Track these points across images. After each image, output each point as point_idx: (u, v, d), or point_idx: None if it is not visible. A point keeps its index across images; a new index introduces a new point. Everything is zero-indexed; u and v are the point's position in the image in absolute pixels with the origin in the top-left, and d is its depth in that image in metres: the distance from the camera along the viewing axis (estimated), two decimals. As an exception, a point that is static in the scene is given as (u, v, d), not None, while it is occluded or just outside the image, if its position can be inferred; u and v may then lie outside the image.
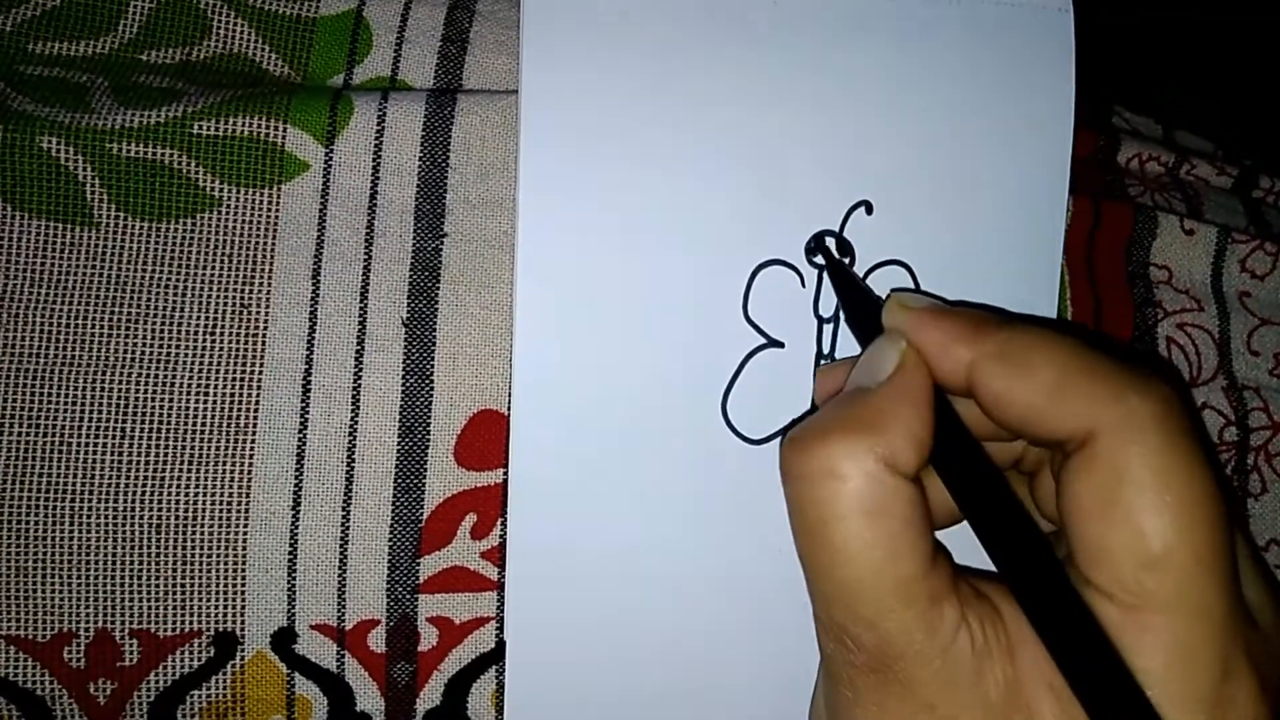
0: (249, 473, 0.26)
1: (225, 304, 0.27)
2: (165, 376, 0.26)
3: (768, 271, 0.28)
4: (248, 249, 0.27)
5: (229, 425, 0.26)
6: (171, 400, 0.26)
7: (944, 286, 0.28)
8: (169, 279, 0.27)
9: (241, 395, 0.26)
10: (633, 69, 0.27)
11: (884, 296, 0.23)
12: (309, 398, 0.27)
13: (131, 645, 0.25)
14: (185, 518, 0.26)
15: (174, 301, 0.27)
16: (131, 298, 0.26)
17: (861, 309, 0.25)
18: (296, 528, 0.26)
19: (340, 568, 0.26)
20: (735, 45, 0.28)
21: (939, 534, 0.22)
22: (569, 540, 0.27)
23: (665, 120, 0.27)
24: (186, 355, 0.26)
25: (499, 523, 0.27)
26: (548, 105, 0.27)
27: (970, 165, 0.29)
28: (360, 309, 0.27)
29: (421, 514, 0.27)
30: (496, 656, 0.27)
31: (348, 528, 0.26)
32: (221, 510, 0.26)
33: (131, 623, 0.25)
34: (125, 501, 0.26)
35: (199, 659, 0.26)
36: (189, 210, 0.27)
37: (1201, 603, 0.18)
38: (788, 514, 0.21)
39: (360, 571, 0.26)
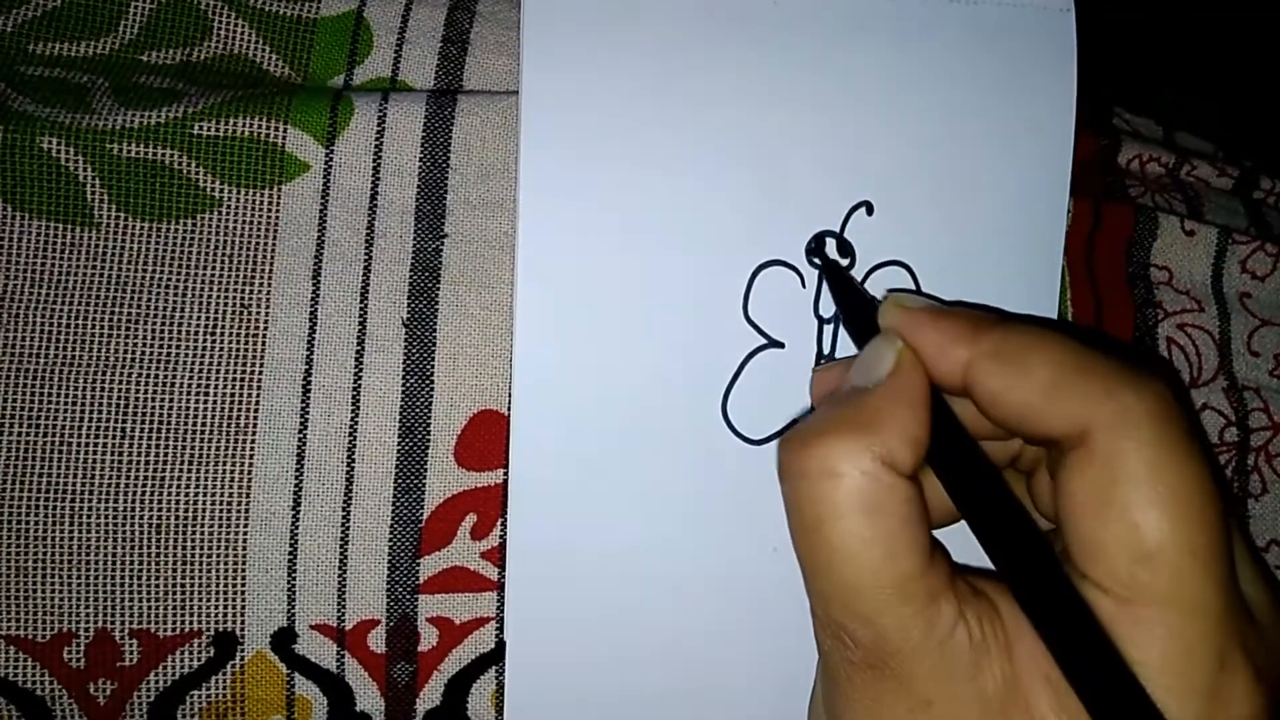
0: (249, 473, 0.26)
1: (225, 304, 0.27)
2: (165, 377, 0.26)
3: (768, 272, 0.28)
4: (248, 249, 0.27)
5: (229, 425, 0.26)
6: (172, 400, 0.26)
7: (944, 287, 0.28)
8: (169, 279, 0.27)
9: (242, 395, 0.26)
10: (633, 70, 0.27)
11: (880, 297, 0.23)
12: (309, 398, 0.27)
13: (131, 645, 0.25)
14: (185, 518, 0.26)
15: (174, 302, 0.27)
16: (132, 298, 0.26)
17: (857, 310, 0.25)
18: (296, 528, 0.26)
19: (340, 568, 0.26)
20: (735, 46, 0.28)
21: (937, 533, 0.22)
22: (569, 540, 0.27)
23: (665, 121, 0.27)
24: (187, 355, 0.26)
25: (499, 523, 0.27)
26: (548, 106, 0.27)
27: (971, 166, 0.29)
28: (360, 309, 0.27)
29: (421, 514, 0.27)
30: (496, 657, 0.27)
31: (348, 528, 0.26)
32: (221, 510, 0.26)
33: (131, 623, 0.25)
34: (125, 501, 0.26)
35: (199, 659, 0.26)
36: (189, 211, 0.27)
37: (1197, 597, 0.18)
38: (786, 513, 0.21)
39: (360, 571, 0.26)
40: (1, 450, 0.25)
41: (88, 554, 0.25)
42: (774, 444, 0.27)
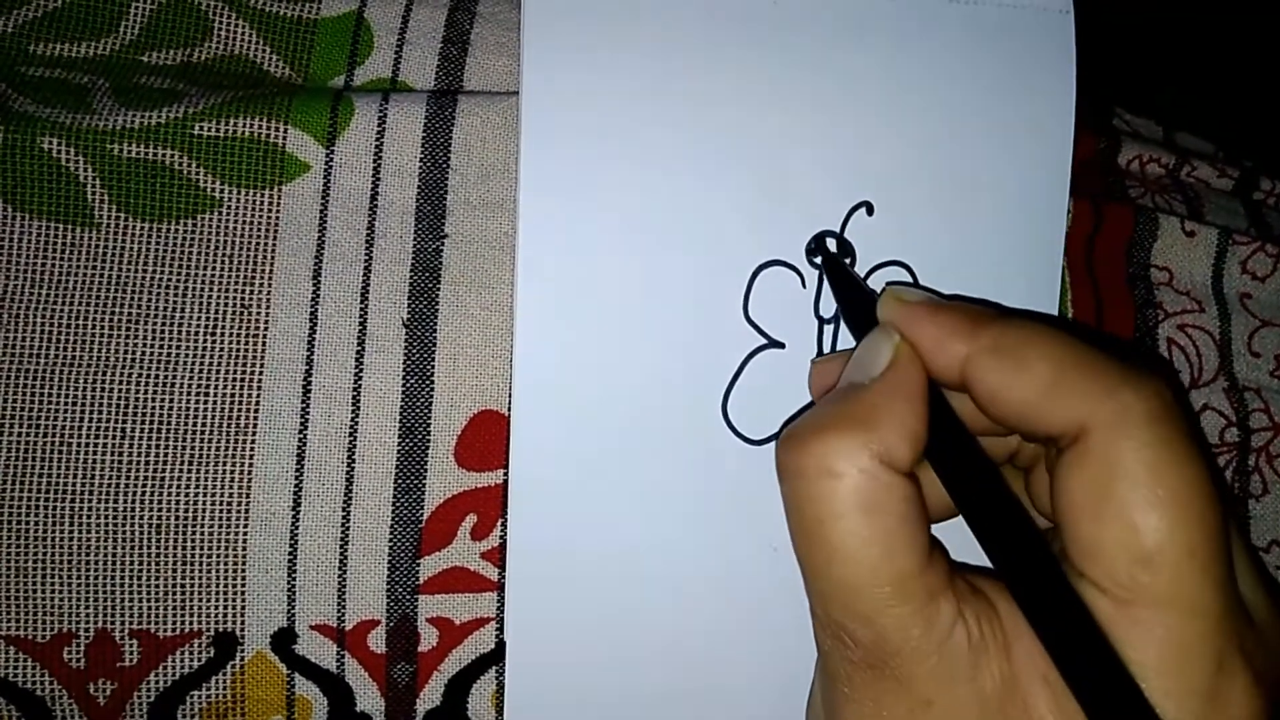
0: (249, 473, 0.26)
1: (226, 305, 0.27)
2: (166, 377, 0.26)
3: (768, 272, 0.28)
4: (248, 250, 0.27)
5: (229, 426, 0.26)
6: (172, 401, 0.26)
7: (944, 287, 0.28)
8: (170, 280, 0.27)
9: (242, 396, 0.26)
10: (633, 70, 0.27)
11: (880, 291, 0.23)
12: (309, 398, 0.27)
13: (131, 645, 0.25)
14: (185, 518, 0.26)
15: (175, 302, 0.27)
16: (132, 298, 0.26)
17: (856, 303, 0.25)
18: (297, 528, 0.26)
19: (340, 568, 0.26)
20: (735, 46, 0.28)
21: (936, 530, 0.22)
22: (569, 541, 0.27)
23: (665, 121, 0.27)
24: (187, 356, 0.26)
25: (499, 523, 0.27)
26: (548, 106, 0.27)
27: (971, 166, 0.29)
28: (361, 310, 0.27)
29: (422, 514, 0.27)
30: (496, 657, 0.27)
31: (348, 528, 0.26)
32: (222, 510, 0.26)
33: (131, 623, 0.25)
34: (125, 502, 0.26)
35: (199, 659, 0.26)
36: (190, 211, 0.27)
37: (1195, 598, 0.18)
38: (785, 512, 0.21)
39: (360, 572, 0.26)
40: (2, 450, 0.25)
41: (88, 554, 0.25)
42: (774, 444, 0.27)
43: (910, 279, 0.28)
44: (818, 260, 0.28)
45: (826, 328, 0.28)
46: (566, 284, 0.27)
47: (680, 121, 0.27)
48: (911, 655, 0.19)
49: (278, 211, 0.27)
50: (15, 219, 0.26)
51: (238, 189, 0.27)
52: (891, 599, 0.19)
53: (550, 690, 0.27)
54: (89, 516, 0.25)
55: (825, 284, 0.28)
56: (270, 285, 0.27)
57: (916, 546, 0.19)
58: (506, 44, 0.29)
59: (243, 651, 0.26)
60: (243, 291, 0.27)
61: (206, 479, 0.26)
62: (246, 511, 0.26)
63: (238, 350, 0.27)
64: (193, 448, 0.26)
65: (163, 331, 0.26)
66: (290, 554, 0.26)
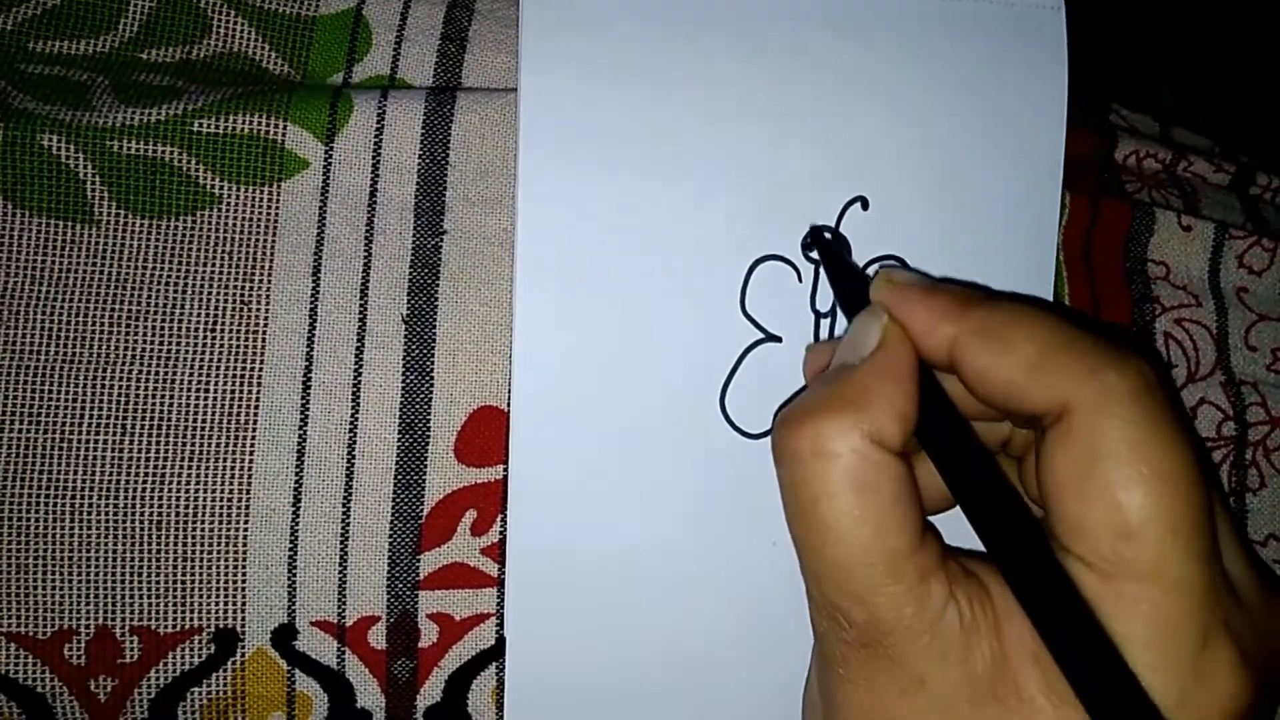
0: (249, 469, 0.26)
1: (226, 301, 0.27)
2: (166, 374, 0.26)
3: (765, 267, 0.28)
4: (248, 246, 0.27)
5: (229, 422, 0.26)
6: (172, 397, 0.26)
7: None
8: (169, 276, 0.27)
9: (242, 392, 0.26)
10: (630, 67, 0.27)
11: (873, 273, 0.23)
12: (309, 394, 0.27)
13: (132, 642, 0.26)
14: (186, 514, 0.26)
15: (174, 299, 0.27)
16: (132, 295, 0.26)
17: (850, 285, 0.25)
18: (297, 524, 0.26)
19: (341, 564, 0.26)
20: (731, 43, 0.28)
21: (935, 522, 0.22)
22: (569, 536, 0.27)
23: (662, 118, 0.27)
24: (187, 352, 0.26)
25: (499, 519, 0.27)
26: (546, 103, 0.27)
27: (965, 162, 0.29)
28: (360, 306, 0.27)
29: (422, 510, 0.27)
30: (496, 653, 0.27)
31: (348, 524, 0.26)
32: (222, 507, 0.26)
33: (132, 619, 0.26)
34: (126, 498, 0.26)
35: (199, 656, 0.26)
36: (189, 208, 0.27)
37: (1179, 574, 0.18)
38: (780, 494, 0.21)
39: (360, 568, 0.26)
40: (2, 447, 0.25)
41: (88, 551, 0.25)
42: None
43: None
44: (813, 255, 0.28)
45: (823, 321, 0.28)
46: (565, 279, 0.27)
47: (677, 118, 0.27)
48: (904, 634, 0.19)
49: (277, 208, 0.27)
50: (15, 216, 0.26)
51: (237, 186, 0.27)
52: (884, 578, 0.19)
53: (550, 686, 0.27)
54: (89, 513, 0.26)
55: (821, 278, 0.28)
56: (270, 281, 0.27)
57: (909, 526, 0.20)
58: (505, 41, 0.29)
59: (243, 648, 0.26)
60: (242, 288, 0.27)
61: (207, 475, 0.26)
62: (247, 508, 0.26)
63: (238, 346, 0.27)
64: (193, 444, 0.26)
65: (163, 328, 0.26)
66: (290, 550, 0.26)
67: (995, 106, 0.29)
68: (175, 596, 0.26)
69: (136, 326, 0.26)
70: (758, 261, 0.28)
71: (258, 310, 0.27)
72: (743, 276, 0.28)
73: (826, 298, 0.28)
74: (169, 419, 0.26)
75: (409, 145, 0.28)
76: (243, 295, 0.27)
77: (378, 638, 0.26)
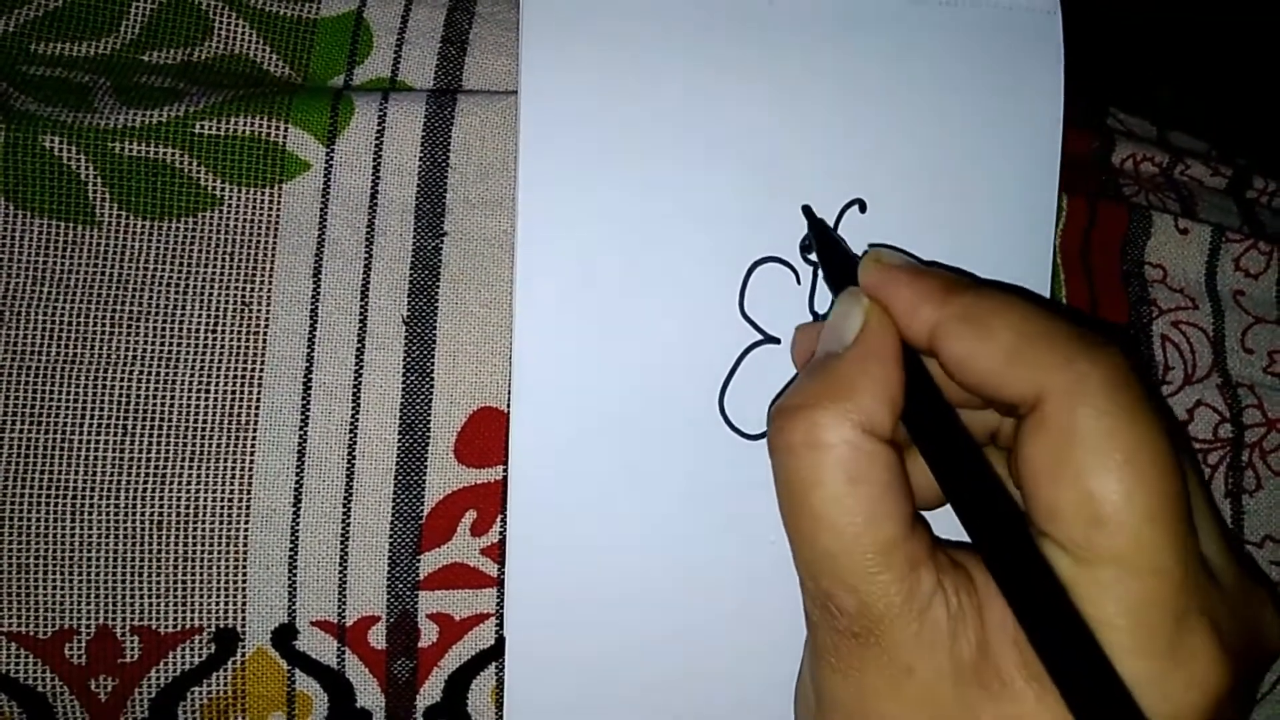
0: (250, 470, 0.26)
1: (227, 302, 0.27)
2: (167, 374, 0.26)
3: (763, 269, 0.28)
4: (249, 248, 0.27)
5: (230, 423, 0.26)
6: (173, 398, 0.26)
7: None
8: (171, 277, 0.27)
9: (243, 393, 0.27)
10: (630, 69, 0.27)
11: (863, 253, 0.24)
12: (310, 395, 0.27)
13: (132, 642, 0.26)
14: (186, 515, 0.26)
15: (176, 300, 0.27)
16: (134, 296, 0.27)
17: (839, 265, 0.25)
18: (297, 524, 0.26)
19: (341, 564, 0.26)
20: (730, 46, 0.28)
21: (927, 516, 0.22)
22: (568, 536, 0.27)
23: (662, 120, 0.28)
24: (188, 353, 0.27)
25: (499, 519, 0.27)
26: (546, 105, 0.27)
27: (962, 165, 0.29)
28: (361, 307, 0.27)
29: (422, 511, 0.27)
30: (496, 653, 0.27)
31: (348, 524, 0.27)
32: (223, 507, 0.26)
33: (132, 619, 0.26)
34: (127, 498, 0.26)
35: (200, 655, 0.26)
36: (191, 209, 0.27)
37: (1153, 558, 0.18)
38: (774, 487, 0.21)
39: (361, 568, 0.27)
40: (4, 447, 0.25)
41: (89, 551, 0.26)
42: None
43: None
44: (812, 257, 0.28)
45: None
46: (565, 281, 0.27)
47: (676, 120, 0.28)
48: (894, 623, 0.19)
49: (278, 210, 0.27)
50: (17, 217, 0.26)
51: (238, 187, 0.27)
52: (875, 566, 0.19)
53: (549, 685, 0.27)
54: (90, 513, 0.26)
55: (820, 280, 0.28)
56: (271, 283, 0.27)
57: (899, 515, 0.20)
58: (505, 44, 0.30)
59: (243, 647, 0.26)
60: (243, 289, 0.27)
61: (208, 476, 0.26)
62: (247, 508, 0.26)
63: (239, 347, 0.27)
64: (194, 445, 0.26)
65: (164, 329, 0.27)
66: (291, 550, 0.26)
67: (992, 110, 0.29)
68: (176, 596, 0.26)
69: (138, 327, 0.26)
70: (756, 263, 0.28)
71: (259, 311, 0.27)
72: (741, 278, 0.28)
73: (825, 299, 0.28)
74: (170, 419, 0.26)
75: (409, 147, 0.28)
76: (244, 296, 0.27)
77: (378, 638, 0.27)
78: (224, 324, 0.27)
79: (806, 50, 0.28)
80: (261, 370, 0.27)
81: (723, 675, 0.28)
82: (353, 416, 0.27)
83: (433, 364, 0.27)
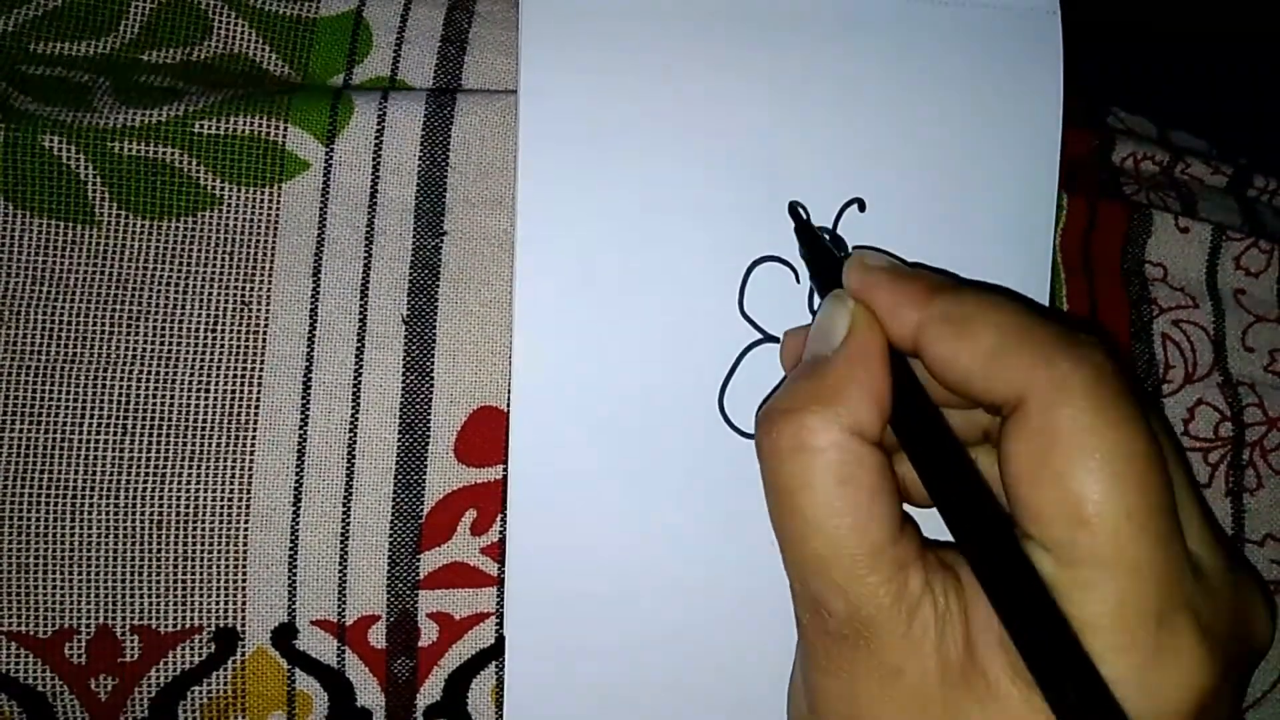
0: (250, 469, 0.26)
1: (226, 302, 0.27)
2: (166, 374, 0.26)
3: (763, 268, 0.28)
4: (249, 247, 0.27)
5: (230, 422, 0.26)
6: (173, 397, 0.26)
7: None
8: (170, 277, 0.27)
9: (242, 392, 0.27)
10: (629, 69, 0.27)
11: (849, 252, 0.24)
12: (309, 395, 0.27)
13: (132, 641, 0.26)
14: (186, 514, 0.26)
15: (175, 299, 0.27)
16: (133, 296, 0.27)
17: (824, 268, 0.25)
18: (297, 524, 0.26)
19: (341, 563, 0.26)
20: (730, 45, 0.28)
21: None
22: (568, 536, 0.27)
23: (662, 119, 0.28)
24: (188, 353, 0.27)
25: (499, 519, 0.27)
26: (546, 105, 0.27)
27: (961, 165, 0.29)
28: (360, 306, 0.27)
29: (422, 510, 0.27)
30: (496, 652, 0.27)
31: (348, 524, 0.27)
32: (222, 506, 0.26)
33: (132, 619, 0.26)
34: (126, 498, 0.26)
35: (200, 655, 0.26)
36: (190, 209, 0.27)
37: (1135, 557, 0.18)
38: (763, 489, 0.21)
39: (361, 567, 0.27)
40: (3, 447, 0.25)
41: (89, 550, 0.26)
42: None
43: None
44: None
45: (823, 323, 0.28)
46: (565, 280, 0.27)
47: (676, 119, 0.28)
48: (883, 624, 0.20)
49: (278, 209, 0.27)
50: (16, 217, 0.26)
51: (238, 187, 0.27)
52: (864, 568, 0.20)
53: (549, 685, 0.27)
54: (90, 513, 0.26)
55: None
56: (270, 282, 0.27)
57: (888, 518, 0.20)
58: (505, 43, 0.30)
59: (243, 647, 0.26)
60: (243, 289, 0.27)
61: (207, 475, 0.26)
62: (247, 507, 0.26)
63: (238, 347, 0.27)
64: (194, 444, 0.26)
65: (163, 329, 0.27)
66: (291, 549, 0.26)
67: (992, 109, 0.29)
68: (176, 596, 0.26)
69: (137, 327, 0.26)
70: (756, 262, 0.28)
71: (258, 311, 0.27)
72: (741, 277, 0.28)
73: (825, 299, 0.28)
74: (170, 419, 0.26)
75: (409, 147, 0.28)
76: (243, 296, 0.27)
77: (378, 637, 0.27)
78: (223, 323, 0.27)
79: (806, 49, 0.28)
80: (261, 370, 0.27)
81: (722, 674, 0.28)
82: (352, 416, 0.27)
83: (432, 363, 0.27)
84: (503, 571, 0.27)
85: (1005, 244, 0.29)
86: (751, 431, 0.28)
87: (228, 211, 0.27)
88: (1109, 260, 0.32)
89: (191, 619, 0.26)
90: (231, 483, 0.26)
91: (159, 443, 0.26)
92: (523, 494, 0.27)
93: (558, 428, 0.27)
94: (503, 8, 0.30)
